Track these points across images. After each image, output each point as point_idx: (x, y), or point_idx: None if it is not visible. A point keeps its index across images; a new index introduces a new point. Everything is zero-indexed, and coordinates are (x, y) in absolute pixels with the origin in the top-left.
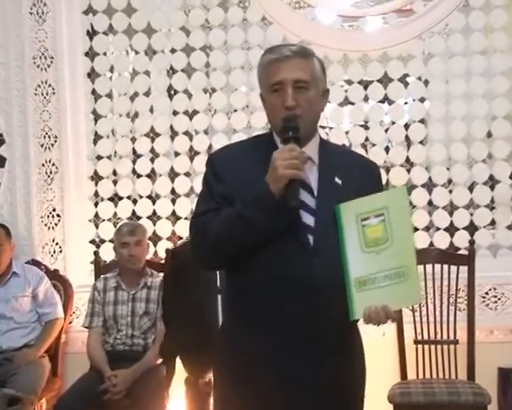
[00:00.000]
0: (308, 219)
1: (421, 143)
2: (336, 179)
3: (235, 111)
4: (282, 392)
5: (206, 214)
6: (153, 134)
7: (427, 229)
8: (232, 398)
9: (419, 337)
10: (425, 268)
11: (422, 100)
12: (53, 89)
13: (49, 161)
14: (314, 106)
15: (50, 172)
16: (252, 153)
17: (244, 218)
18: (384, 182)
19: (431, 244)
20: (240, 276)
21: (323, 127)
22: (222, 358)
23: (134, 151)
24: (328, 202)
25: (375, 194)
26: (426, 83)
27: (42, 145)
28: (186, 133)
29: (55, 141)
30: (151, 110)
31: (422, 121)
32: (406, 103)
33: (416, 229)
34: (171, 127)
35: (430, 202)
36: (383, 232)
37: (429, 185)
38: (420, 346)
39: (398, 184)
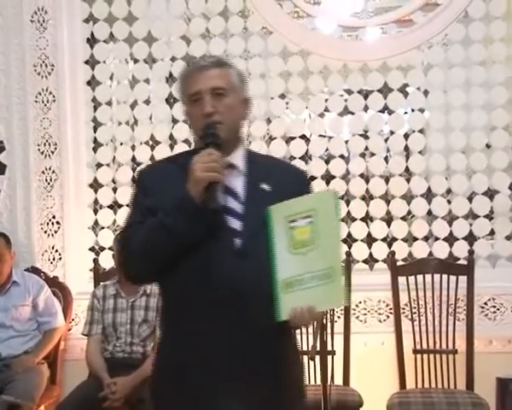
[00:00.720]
0: (235, 224)
1: (420, 153)
2: (264, 186)
3: None
4: (213, 404)
5: (132, 228)
6: (152, 142)
7: (426, 239)
8: None
9: (418, 347)
10: (424, 278)
11: (422, 110)
12: (53, 96)
13: (49, 169)
14: (233, 112)
15: (50, 180)
16: (177, 165)
17: (165, 225)
18: (383, 191)
19: (430, 254)
20: (168, 286)
21: (323, 136)
22: (154, 372)
23: (134, 159)
24: (256, 207)
25: (304, 196)
26: (425, 93)
27: (42, 152)
28: (186, 141)
29: (55, 148)
30: (151, 118)
31: (422, 131)
32: (406, 113)
33: (416, 239)
34: (171, 135)
35: (429, 212)
36: (310, 234)
37: (428, 195)
38: (419, 355)
39: (398, 194)
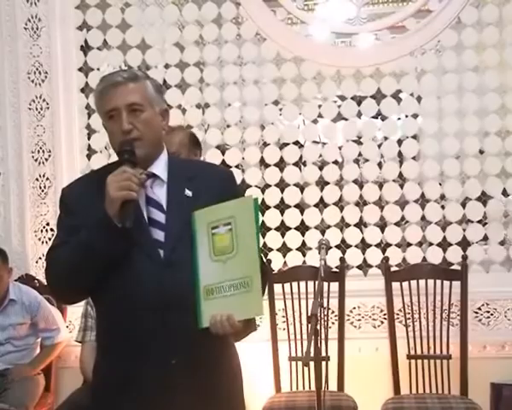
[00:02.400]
0: (158, 235)
1: (413, 158)
2: (186, 192)
3: (229, 126)
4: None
5: (57, 248)
6: None
7: (419, 244)
8: None
9: (412, 352)
10: (418, 283)
11: (415, 116)
12: (47, 104)
13: (43, 176)
14: (152, 126)
15: (44, 187)
16: (97, 182)
17: (86, 244)
18: (377, 197)
19: (424, 259)
20: (98, 302)
21: (317, 143)
22: (93, 387)
23: None
24: (178, 215)
25: (225, 202)
26: (418, 99)
27: (36, 160)
28: None
29: (49, 155)
30: None
31: (415, 137)
32: (399, 119)
33: (410, 244)
34: None
35: (423, 218)
36: (230, 241)
37: (422, 201)
38: (413, 361)
39: (392, 200)
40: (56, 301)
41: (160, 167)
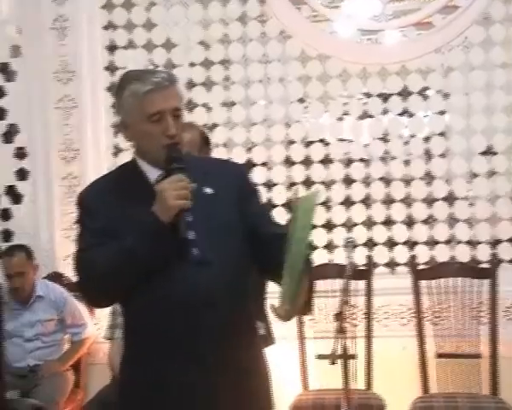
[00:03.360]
0: (188, 234)
1: (441, 156)
2: (206, 190)
3: (254, 124)
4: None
5: (87, 251)
6: None
7: (448, 242)
8: None
9: (441, 351)
10: (446, 282)
11: (442, 113)
12: (74, 103)
13: (71, 174)
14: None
15: (71, 185)
16: (119, 184)
17: (133, 251)
18: (404, 195)
19: (452, 258)
20: (131, 304)
21: (342, 140)
22: (121, 390)
23: None
24: (203, 212)
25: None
26: (446, 96)
27: (63, 158)
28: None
29: (77, 154)
30: None
31: (442, 134)
32: (426, 116)
33: (437, 242)
34: None
35: (451, 215)
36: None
37: (450, 198)
38: (442, 360)
39: (419, 198)
40: (87, 305)
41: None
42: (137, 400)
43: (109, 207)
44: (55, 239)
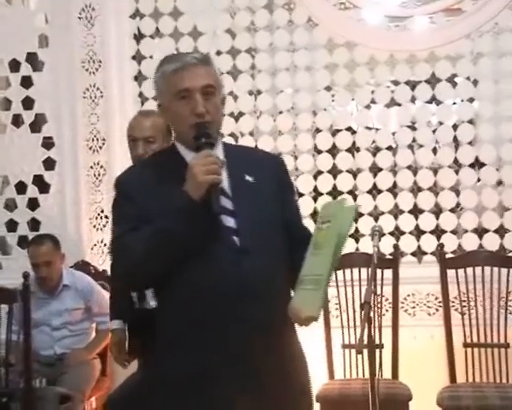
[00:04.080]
0: (229, 221)
1: (469, 143)
2: (247, 177)
3: (281, 113)
4: (228, 400)
5: (125, 236)
6: None
7: (476, 231)
8: None
9: (468, 340)
10: (474, 271)
11: (471, 100)
12: (101, 92)
13: (98, 164)
14: (219, 111)
15: (98, 175)
16: (157, 168)
17: (168, 230)
18: (431, 183)
19: (480, 246)
20: (169, 291)
21: (370, 128)
22: (154, 377)
23: None
24: (245, 200)
25: (331, 201)
26: (475, 83)
27: (90, 148)
28: (232, 135)
29: (103, 143)
30: None
31: (471, 122)
32: (454, 104)
33: (466, 231)
34: None
35: (479, 204)
36: (324, 239)
37: (478, 187)
38: (469, 349)
39: (447, 186)
40: (127, 288)
41: (219, 153)
42: (169, 393)
43: (147, 191)
44: (82, 228)
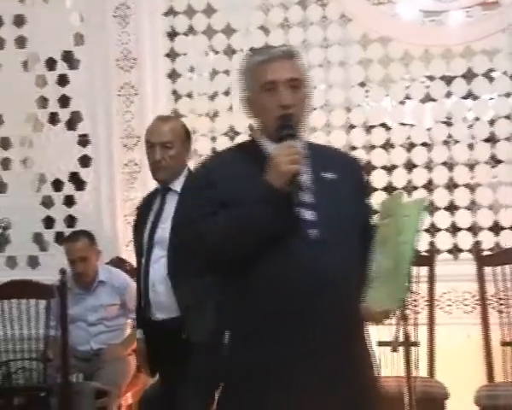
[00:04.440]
0: (308, 215)
1: (506, 139)
2: (327, 174)
3: (315, 109)
4: (303, 395)
5: (203, 219)
6: (232, 133)
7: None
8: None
9: (506, 339)
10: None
11: (508, 95)
12: (135, 90)
13: (132, 161)
14: (304, 105)
15: (133, 172)
16: (238, 157)
17: (249, 216)
18: (468, 179)
19: None
20: (245, 283)
21: (404, 125)
22: (230, 367)
23: (214, 150)
24: (325, 195)
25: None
26: None
27: (125, 145)
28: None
29: (138, 141)
30: (230, 109)
31: (508, 117)
32: (491, 99)
33: (503, 228)
34: (251, 126)
35: None
36: (388, 234)
37: None
38: (507, 348)
39: (484, 183)
40: (195, 270)
41: (300, 148)
42: (245, 384)
43: (227, 178)
44: (118, 225)
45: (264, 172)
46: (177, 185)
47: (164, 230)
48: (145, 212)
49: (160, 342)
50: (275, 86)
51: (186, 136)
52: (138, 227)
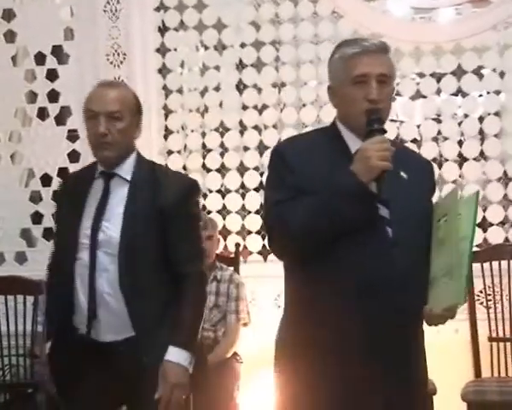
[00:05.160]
0: (383, 211)
1: (495, 136)
2: (402, 173)
3: (305, 105)
4: (370, 388)
5: (283, 204)
6: (222, 129)
7: (502, 224)
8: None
9: (494, 335)
10: (500, 264)
11: (498, 92)
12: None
13: None
14: (390, 102)
15: None
16: (319, 145)
17: (332, 207)
18: (457, 176)
19: (506, 240)
20: (315, 270)
21: (394, 121)
22: (294, 351)
23: (204, 146)
24: (398, 194)
25: (448, 194)
26: (501, 75)
27: None
28: (255, 128)
29: None
30: (221, 105)
31: (497, 114)
32: (481, 96)
33: (491, 224)
34: (241, 122)
35: (505, 197)
36: (445, 234)
37: (504, 179)
38: (495, 343)
39: (472, 179)
40: (274, 253)
41: None
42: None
43: (307, 164)
44: None
45: (348, 162)
46: (125, 171)
47: (110, 230)
48: (76, 196)
49: (108, 367)
50: (366, 79)
51: (137, 108)
52: (66, 216)
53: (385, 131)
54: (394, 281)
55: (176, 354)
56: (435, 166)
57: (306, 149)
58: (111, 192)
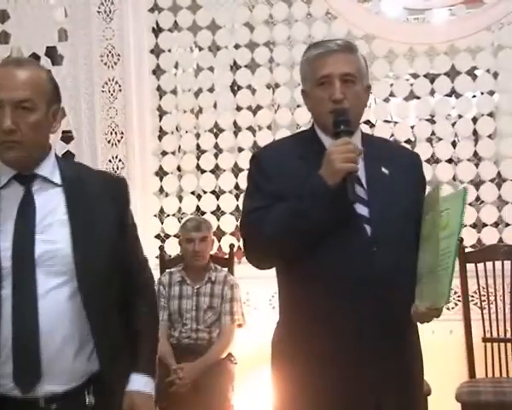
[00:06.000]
0: (362, 210)
1: (489, 137)
2: (383, 169)
3: (299, 106)
4: (353, 390)
5: (258, 212)
6: (217, 130)
7: (496, 225)
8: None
9: (488, 335)
10: (494, 265)
11: (491, 93)
12: (119, 86)
13: (116, 157)
14: (360, 100)
15: (117, 168)
16: (296, 149)
17: (301, 212)
18: (450, 176)
19: (500, 240)
20: (296, 273)
21: (388, 122)
22: (286, 354)
23: (198, 147)
24: (380, 191)
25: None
26: (495, 75)
27: (109, 141)
28: (250, 129)
29: (122, 137)
30: (215, 106)
31: (491, 115)
32: (474, 96)
33: (485, 225)
34: (235, 123)
35: (499, 197)
36: (429, 230)
37: (498, 180)
38: (489, 344)
39: (467, 180)
40: (251, 263)
41: (356, 142)
42: (312, 366)
43: (284, 170)
44: None
45: (320, 166)
46: (49, 173)
47: (51, 243)
48: None
49: None
50: (329, 80)
51: (54, 95)
52: None
53: (351, 132)
54: (375, 279)
55: (139, 382)
56: (429, 166)
57: (283, 154)
58: (35, 198)
